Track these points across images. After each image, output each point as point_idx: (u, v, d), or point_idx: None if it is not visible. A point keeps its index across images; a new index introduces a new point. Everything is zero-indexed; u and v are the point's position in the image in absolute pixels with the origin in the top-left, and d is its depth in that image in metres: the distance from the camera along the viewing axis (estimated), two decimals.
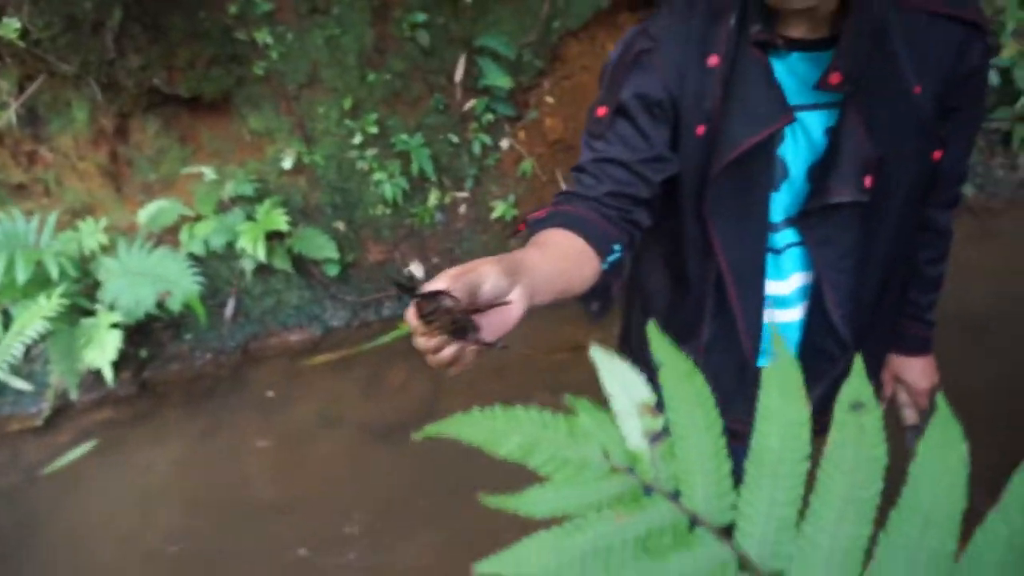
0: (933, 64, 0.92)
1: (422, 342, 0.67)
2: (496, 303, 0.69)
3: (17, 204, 2.85)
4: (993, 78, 3.14)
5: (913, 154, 0.97)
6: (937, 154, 0.99)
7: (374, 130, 3.08)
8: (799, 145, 0.99)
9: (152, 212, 2.78)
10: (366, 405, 2.80)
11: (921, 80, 0.92)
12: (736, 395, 1.11)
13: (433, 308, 0.65)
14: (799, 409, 0.30)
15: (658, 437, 0.31)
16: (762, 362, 1.12)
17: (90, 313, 2.64)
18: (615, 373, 0.33)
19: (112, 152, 2.98)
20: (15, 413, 2.78)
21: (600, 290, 0.96)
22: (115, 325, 2.53)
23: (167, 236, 2.92)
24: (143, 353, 2.87)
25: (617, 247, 0.95)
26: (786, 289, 1.08)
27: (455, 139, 3.23)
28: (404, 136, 3.13)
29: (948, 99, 0.95)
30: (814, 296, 1.06)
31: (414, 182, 3.20)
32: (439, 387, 2.80)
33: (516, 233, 0.99)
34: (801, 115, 0.95)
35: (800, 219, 1.01)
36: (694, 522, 0.29)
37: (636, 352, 1.31)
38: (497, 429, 0.35)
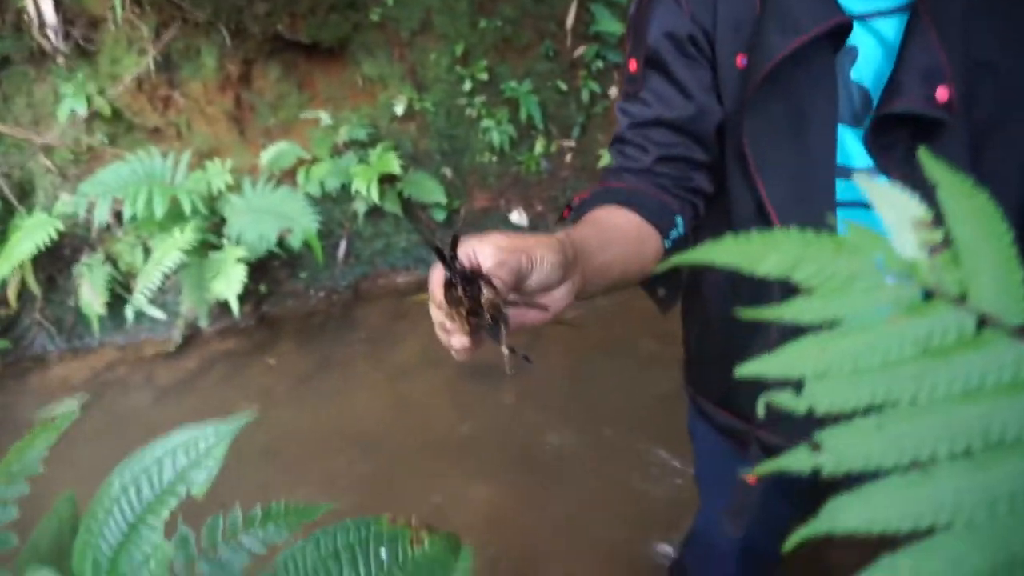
0: None
1: (438, 316, 0.57)
2: (535, 302, 0.58)
3: (152, 146, 3.04)
4: None
5: None
6: None
7: (484, 77, 3.10)
8: (876, 65, 0.80)
9: (273, 154, 2.91)
10: None
11: None
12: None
13: (464, 292, 0.54)
14: None
15: (937, 249, 0.31)
16: None
17: (217, 248, 2.81)
18: (884, 193, 0.33)
19: (237, 97, 3.13)
20: (150, 338, 3.02)
21: (666, 273, 0.84)
22: (240, 260, 2.69)
23: (285, 178, 3.06)
24: (262, 288, 3.04)
25: (679, 220, 0.83)
26: None
27: (563, 87, 3.21)
28: (513, 83, 3.14)
29: None
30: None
31: (521, 130, 3.21)
32: (538, 333, 2.83)
33: (560, 220, 0.85)
34: (874, 23, 0.77)
35: (877, 151, 0.80)
36: (983, 322, 0.29)
37: (693, 381, 1.14)
38: (753, 251, 0.35)
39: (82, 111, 2.83)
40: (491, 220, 3.26)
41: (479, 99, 3.17)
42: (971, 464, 0.28)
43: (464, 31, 3.08)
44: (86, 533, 0.43)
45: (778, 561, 1.39)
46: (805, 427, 0.94)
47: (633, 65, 0.87)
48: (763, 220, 0.85)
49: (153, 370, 2.93)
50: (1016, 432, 0.28)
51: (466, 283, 0.54)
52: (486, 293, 0.54)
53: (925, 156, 0.36)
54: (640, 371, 2.52)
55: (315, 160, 3.02)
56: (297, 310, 3.10)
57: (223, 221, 2.85)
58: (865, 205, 0.84)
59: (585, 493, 2.11)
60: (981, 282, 0.31)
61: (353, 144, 3.04)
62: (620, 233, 0.75)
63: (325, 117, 3.03)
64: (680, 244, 0.84)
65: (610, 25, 3.06)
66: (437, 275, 0.56)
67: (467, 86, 3.12)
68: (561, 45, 3.17)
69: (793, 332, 0.91)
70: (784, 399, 0.33)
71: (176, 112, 3.09)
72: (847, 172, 0.83)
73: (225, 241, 2.76)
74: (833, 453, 0.30)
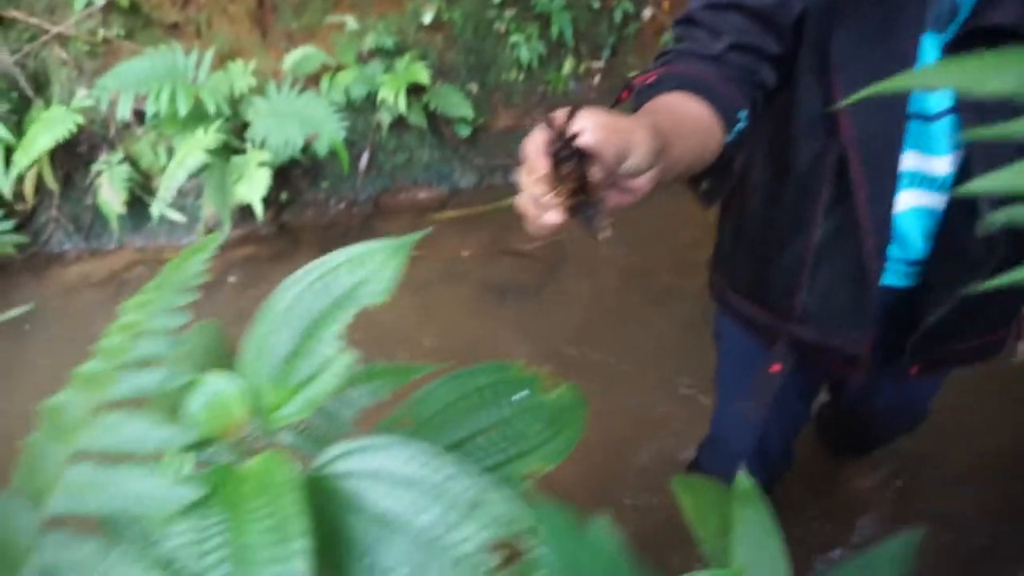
0: None
1: (536, 189, 0.54)
2: (624, 185, 0.57)
3: (173, 42, 2.95)
4: None
5: None
6: None
7: None
8: None
9: (297, 58, 2.83)
10: (487, 265, 2.87)
11: None
12: (852, 313, 0.97)
13: (573, 169, 0.52)
14: None
15: None
16: (892, 254, 0.94)
17: (240, 151, 2.76)
18: None
19: None
20: (170, 243, 3.00)
21: (718, 167, 0.82)
22: (263, 163, 2.65)
23: (309, 83, 2.98)
24: (283, 196, 3.00)
25: (743, 114, 0.81)
26: (937, 167, 0.88)
27: (596, 4, 3.11)
28: None
29: None
30: (962, 176, 0.86)
31: (551, 47, 3.12)
32: (561, 251, 2.83)
33: (618, 101, 0.82)
34: None
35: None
36: None
37: (725, 276, 1.16)
38: (979, 71, 0.35)
39: (99, 0, 2.73)
40: (515, 139, 3.20)
41: (509, 13, 3.07)
42: None
43: None
44: (252, 343, 0.43)
45: (788, 465, 1.44)
46: (833, 324, 0.96)
47: None
48: (830, 120, 0.84)
49: None
50: None
51: (578, 159, 0.52)
52: (595, 171, 0.53)
53: None
54: (657, 303, 2.52)
55: (340, 67, 2.94)
56: (317, 220, 3.08)
57: (245, 124, 2.79)
58: (930, 117, 0.84)
59: (609, 402, 2.13)
60: None
61: (379, 52, 2.96)
62: (693, 123, 0.73)
63: (351, 22, 2.93)
64: (740, 137, 0.82)
65: None
66: (539, 144, 0.54)
67: None
68: None
69: (835, 234, 0.89)
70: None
71: (196, 9, 2.99)
72: None
73: (248, 145, 2.71)
74: None
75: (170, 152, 2.69)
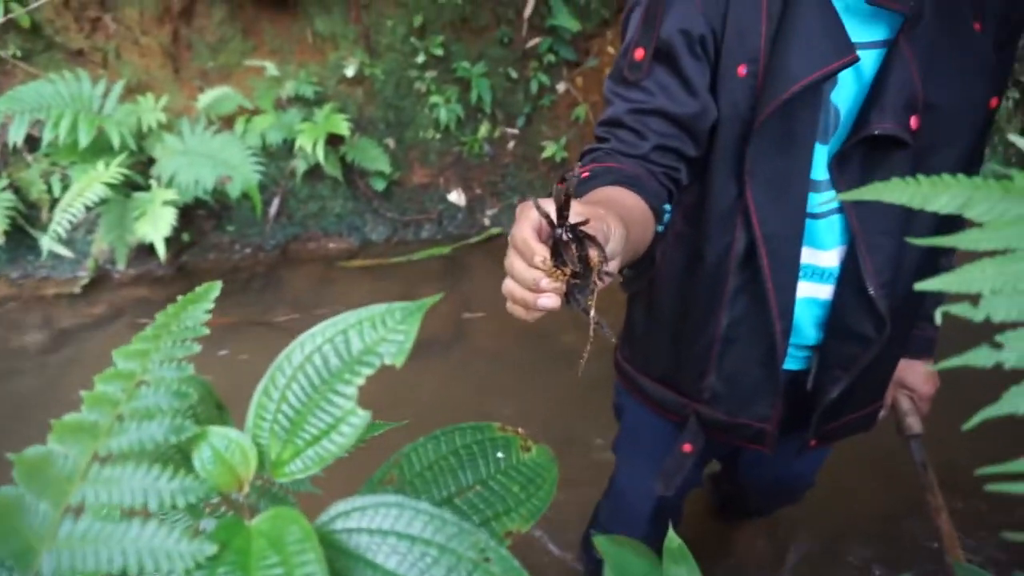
0: (990, 3, 0.86)
1: (532, 275, 0.55)
2: (604, 269, 0.58)
3: (79, 69, 2.82)
4: None
5: (970, 99, 0.88)
6: (994, 101, 0.90)
7: (438, 52, 3.09)
8: (852, 89, 0.89)
9: (212, 98, 2.77)
10: None
11: (980, 17, 0.85)
12: (759, 392, 1.05)
13: (575, 252, 0.54)
14: None
15: None
16: (794, 340, 1.03)
17: (141, 188, 2.65)
18: None
19: (175, 32, 2.95)
20: (51, 277, 2.80)
21: (644, 257, 0.87)
22: (168, 202, 2.55)
23: (222, 125, 2.92)
24: (185, 237, 2.89)
25: (668, 207, 0.87)
26: (825, 260, 0.96)
27: (514, 75, 3.25)
28: (466, 63, 3.15)
29: (1000, 46, 0.88)
30: (849, 264, 0.94)
31: (468, 111, 3.22)
32: (469, 309, 2.86)
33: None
34: (859, 54, 0.84)
35: (837, 165, 0.90)
36: None
37: (634, 360, 1.22)
38: (926, 191, 0.42)
39: None
40: (429, 196, 3.25)
41: (430, 74, 3.15)
42: None
43: (423, 3, 3.06)
44: (264, 397, 0.43)
45: (679, 521, 1.53)
46: (740, 404, 1.06)
47: (640, 53, 0.89)
48: (741, 215, 0.93)
49: (52, 311, 2.72)
50: None
51: (578, 243, 0.54)
52: (594, 255, 0.55)
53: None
54: (560, 361, 2.58)
55: (256, 111, 2.90)
56: (220, 264, 2.97)
57: (151, 161, 2.69)
58: (816, 215, 0.95)
59: None
60: None
61: (298, 100, 2.95)
62: (634, 214, 0.77)
63: (271, 68, 2.92)
64: (664, 231, 0.89)
65: (566, 21, 3.14)
66: (532, 230, 0.55)
67: (420, 59, 3.10)
68: (516, 33, 3.21)
69: (741, 320, 1.00)
70: (962, 309, 0.40)
71: (105, 37, 2.88)
72: (814, 184, 0.92)
73: (153, 182, 2.61)
74: (1015, 352, 0.37)
75: (64, 183, 2.53)
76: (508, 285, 0.59)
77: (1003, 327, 0.39)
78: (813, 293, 0.99)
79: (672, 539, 0.87)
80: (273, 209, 3.02)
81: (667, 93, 0.87)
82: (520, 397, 2.39)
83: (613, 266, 0.61)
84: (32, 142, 2.66)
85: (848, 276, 0.95)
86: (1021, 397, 0.37)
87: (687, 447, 1.16)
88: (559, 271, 0.55)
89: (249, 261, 3.01)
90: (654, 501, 1.35)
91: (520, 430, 0.58)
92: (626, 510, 1.43)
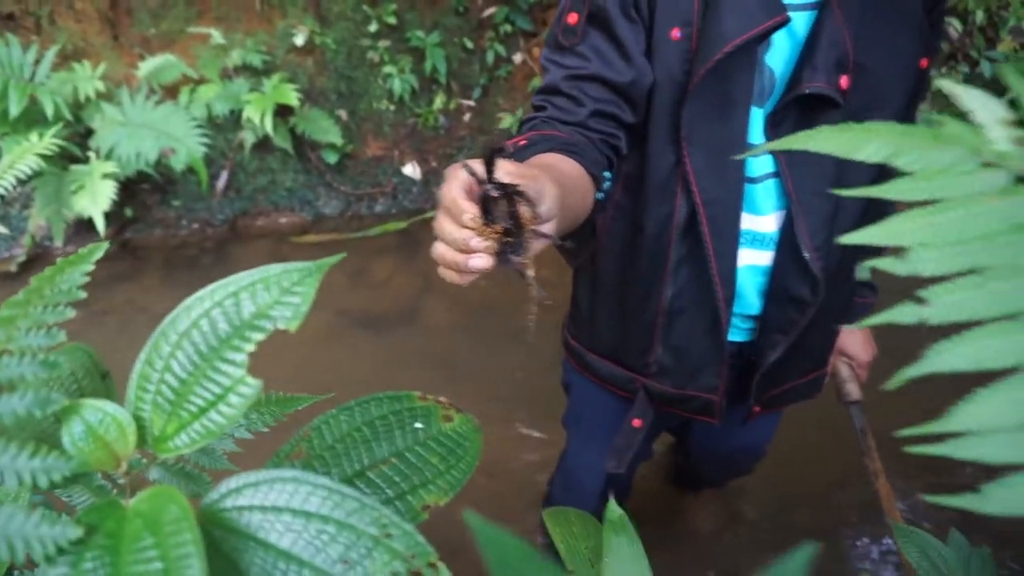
0: None
1: (463, 234, 0.53)
2: (539, 230, 0.57)
3: (1, 35, 2.67)
4: (986, 69, 3.30)
5: (901, 60, 0.89)
6: (924, 62, 0.92)
7: (392, 21, 3.01)
8: (785, 51, 0.90)
9: (154, 66, 2.66)
10: (349, 295, 2.80)
11: None
12: (706, 363, 1.04)
13: (504, 208, 0.53)
14: None
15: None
16: (737, 309, 1.02)
17: (80, 160, 2.53)
18: (971, 95, 0.38)
19: None
20: None
21: (584, 225, 0.85)
22: (107, 175, 2.44)
23: (165, 95, 2.80)
24: (128, 212, 2.78)
25: (608, 175, 0.86)
26: (764, 225, 0.96)
27: (469, 45, 3.19)
28: (420, 33, 3.07)
29: (931, 8, 0.90)
30: (787, 229, 0.94)
31: (423, 81, 3.15)
32: (423, 285, 2.82)
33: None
34: (792, 15, 0.85)
35: (771, 128, 0.90)
36: None
37: (581, 337, 1.20)
38: (854, 138, 0.40)
39: None
40: (383, 169, 3.18)
41: (383, 43, 3.07)
42: None
43: None
44: (146, 367, 0.39)
45: (629, 494, 1.54)
46: (687, 376, 1.04)
47: (574, 18, 0.88)
48: (680, 182, 0.92)
49: None
50: None
51: (507, 199, 0.53)
52: (524, 211, 0.54)
53: (1009, 73, 0.41)
54: (517, 336, 2.57)
55: (201, 80, 2.80)
56: (166, 240, 2.87)
57: (89, 132, 2.57)
58: (754, 180, 0.94)
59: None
60: None
61: (246, 69, 2.85)
62: (573, 180, 0.76)
63: (216, 36, 2.81)
64: (604, 199, 0.87)
65: None
66: (461, 189, 0.54)
67: (372, 27, 3.02)
68: (472, 2, 3.14)
69: (685, 291, 0.98)
70: (887, 264, 0.38)
71: (38, 2, 2.74)
72: (751, 147, 0.91)
73: (91, 154, 2.49)
74: (938, 307, 0.35)
75: None
76: (438, 248, 0.56)
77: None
78: (754, 260, 0.99)
79: (612, 509, 0.85)
80: (221, 183, 2.92)
81: (602, 58, 0.86)
82: (475, 372, 2.37)
83: (549, 228, 0.59)
84: None
85: (786, 241, 0.95)
86: (941, 355, 0.35)
87: (636, 422, 1.15)
88: (490, 229, 0.53)
89: (197, 237, 2.92)
90: (604, 476, 1.35)
91: (442, 399, 0.55)
92: (576, 486, 1.43)
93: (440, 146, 3.26)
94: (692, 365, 1.06)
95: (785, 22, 0.82)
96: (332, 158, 3.02)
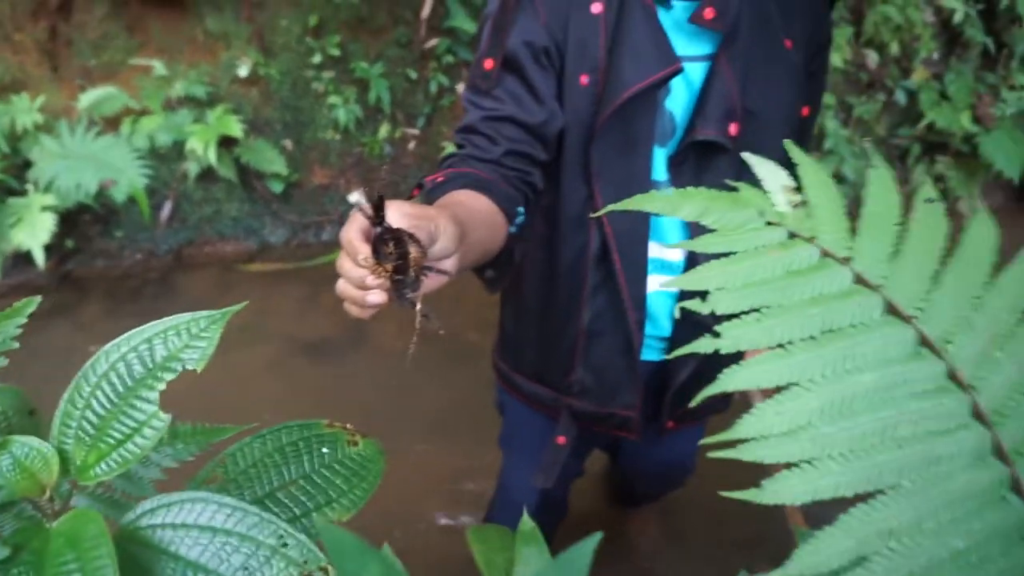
0: (799, 26, 0.97)
1: (358, 272, 0.58)
2: (437, 267, 0.62)
3: None
4: (901, 97, 3.52)
5: (783, 108, 0.99)
6: (805, 110, 1.02)
7: (336, 52, 3.08)
8: (684, 97, 0.98)
9: (95, 98, 2.67)
10: (297, 323, 2.82)
11: (791, 36, 0.97)
12: (623, 382, 1.12)
13: (393, 249, 0.57)
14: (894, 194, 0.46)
15: (798, 205, 0.46)
16: (649, 331, 1.10)
17: (17, 193, 2.52)
18: (764, 167, 0.47)
19: (52, 28, 2.82)
20: None
21: (501, 258, 0.92)
22: (47, 208, 2.44)
23: (107, 126, 2.81)
24: (68, 243, 2.77)
25: (520, 210, 0.92)
26: (671, 255, 1.05)
27: (413, 75, 3.27)
28: (364, 64, 3.14)
29: (809, 63, 1.01)
30: (690, 257, 1.03)
31: (368, 111, 3.22)
32: (374, 317, 2.85)
33: (411, 198, 0.86)
34: (687, 66, 0.94)
35: (673, 167, 0.99)
36: (824, 254, 0.44)
37: (508, 359, 1.27)
38: (673, 202, 0.48)
39: None
40: (330, 198, 3.23)
41: (328, 74, 3.13)
42: (814, 343, 0.43)
43: (319, 2, 3.03)
44: (69, 405, 0.45)
45: (565, 511, 1.61)
46: (607, 395, 1.15)
47: (489, 63, 0.94)
48: (593, 218, 1.00)
49: None
50: (840, 323, 0.43)
51: (396, 241, 0.57)
52: (413, 252, 0.58)
53: (791, 147, 0.51)
54: (459, 360, 2.62)
55: (144, 111, 2.81)
56: (109, 271, 2.86)
57: (27, 164, 2.57)
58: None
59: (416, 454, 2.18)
60: (824, 228, 0.46)
61: (189, 100, 2.87)
62: (483, 216, 0.81)
63: (159, 67, 2.83)
64: (520, 231, 0.94)
65: (463, 22, 3.18)
66: (357, 231, 0.58)
67: (317, 59, 3.08)
68: (415, 34, 3.23)
69: (602, 315, 1.09)
70: (695, 305, 0.46)
71: None
72: (655, 184, 1.00)
73: (29, 186, 2.49)
74: (728, 339, 0.44)
75: None
76: (340, 285, 0.61)
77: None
78: (665, 286, 1.07)
79: (525, 522, 0.93)
80: (165, 213, 2.93)
81: (516, 101, 0.92)
82: (419, 395, 2.42)
83: (450, 264, 0.64)
84: None
85: (689, 267, 1.03)
86: (730, 377, 0.44)
87: (561, 439, 1.22)
88: (381, 267, 0.57)
89: (140, 267, 2.92)
90: (537, 494, 1.41)
91: (348, 426, 0.62)
92: (512, 504, 1.49)
93: (386, 174, 3.32)
94: (611, 384, 1.13)
95: (678, 71, 0.91)
96: (278, 187, 3.06)
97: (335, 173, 3.25)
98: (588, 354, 1.11)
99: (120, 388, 0.46)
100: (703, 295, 0.46)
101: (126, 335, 0.46)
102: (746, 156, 0.49)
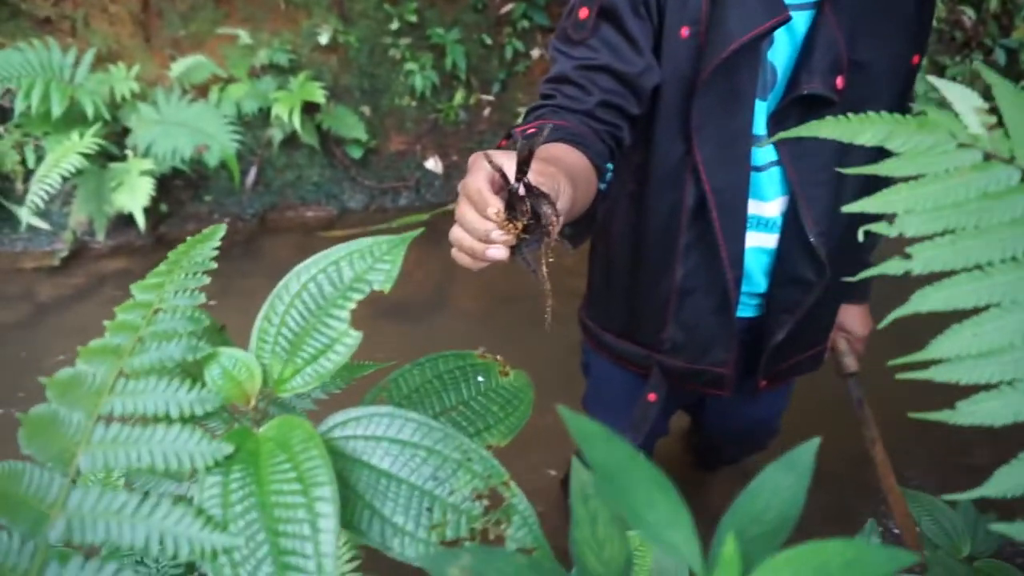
0: None
1: (485, 225, 0.55)
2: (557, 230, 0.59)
3: (40, 39, 2.78)
4: (1000, 56, 3.33)
5: (894, 57, 0.94)
6: (916, 58, 0.98)
7: (412, 19, 3.09)
8: (786, 48, 0.95)
9: (185, 66, 2.76)
10: None
11: None
12: (717, 339, 1.10)
13: (528, 207, 0.55)
14: None
15: (992, 127, 0.45)
16: (744, 288, 1.07)
17: (117, 158, 2.64)
18: (952, 89, 0.46)
19: (145, 0, 2.92)
20: (28, 250, 2.79)
21: (586, 215, 0.87)
22: (145, 172, 2.55)
23: (196, 94, 2.91)
24: (163, 207, 2.89)
25: (610, 167, 0.89)
26: (768, 211, 1.02)
27: (488, 41, 3.26)
28: (440, 30, 3.15)
29: (920, 10, 0.96)
30: (790, 216, 1.00)
31: (444, 78, 3.23)
32: (449, 275, 2.91)
33: (499, 148, 0.88)
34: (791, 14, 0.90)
35: (775, 124, 0.96)
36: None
37: (597, 318, 1.26)
38: (854, 126, 0.48)
39: None
40: (407, 164, 3.27)
41: (404, 41, 3.15)
42: (1015, 265, 0.42)
43: None
44: (265, 323, 0.48)
45: None
46: (699, 352, 1.13)
47: (584, 12, 0.91)
48: (690, 172, 0.98)
49: (33, 284, 2.72)
50: None
51: (532, 197, 0.55)
52: (546, 211, 0.56)
53: (984, 70, 0.49)
54: (541, 324, 2.63)
55: (231, 79, 2.89)
56: (198, 234, 2.97)
57: (125, 131, 2.68)
58: (758, 168, 1.00)
59: None
60: (1023, 149, 0.45)
61: (272, 68, 2.94)
62: (580, 172, 0.77)
63: (244, 36, 2.90)
64: (607, 189, 0.91)
65: None
66: (487, 182, 0.56)
67: (394, 26, 3.10)
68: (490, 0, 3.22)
69: (695, 272, 1.07)
70: (880, 227, 0.46)
71: (73, 5, 2.84)
72: (756, 139, 0.97)
73: (129, 152, 2.60)
74: (920, 261, 0.43)
75: (38, 154, 2.52)
76: (457, 233, 0.59)
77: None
78: (760, 243, 1.06)
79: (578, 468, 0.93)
80: (251, 178, 3.02)
81: (613, 50, 0.90)
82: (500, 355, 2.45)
83: (560, 221, 0.61)
84: (2, 112, 2.64)
85: (790, 225, 1.01)
86: (923, 298, 0.43)
87: (652, 396, 1.22)
88: (511, 224, 0.55)
89: (228, 230, 3.00)
90: None
91: (499, 357, 0.64)
92: None
93: (461, 140, 3.34)
94: (703, 341, 1.13)
95: (786, 20, 0.87)
96: (357, 153, 3.11)
97: (411, 139, 3.29)
98: (680, 311, 1.11)
99: (312, 306, 0.48)
100: (878, 219, 0.45)
101: (313, 258, 0.48)
102: (931, 79, 0.48)
